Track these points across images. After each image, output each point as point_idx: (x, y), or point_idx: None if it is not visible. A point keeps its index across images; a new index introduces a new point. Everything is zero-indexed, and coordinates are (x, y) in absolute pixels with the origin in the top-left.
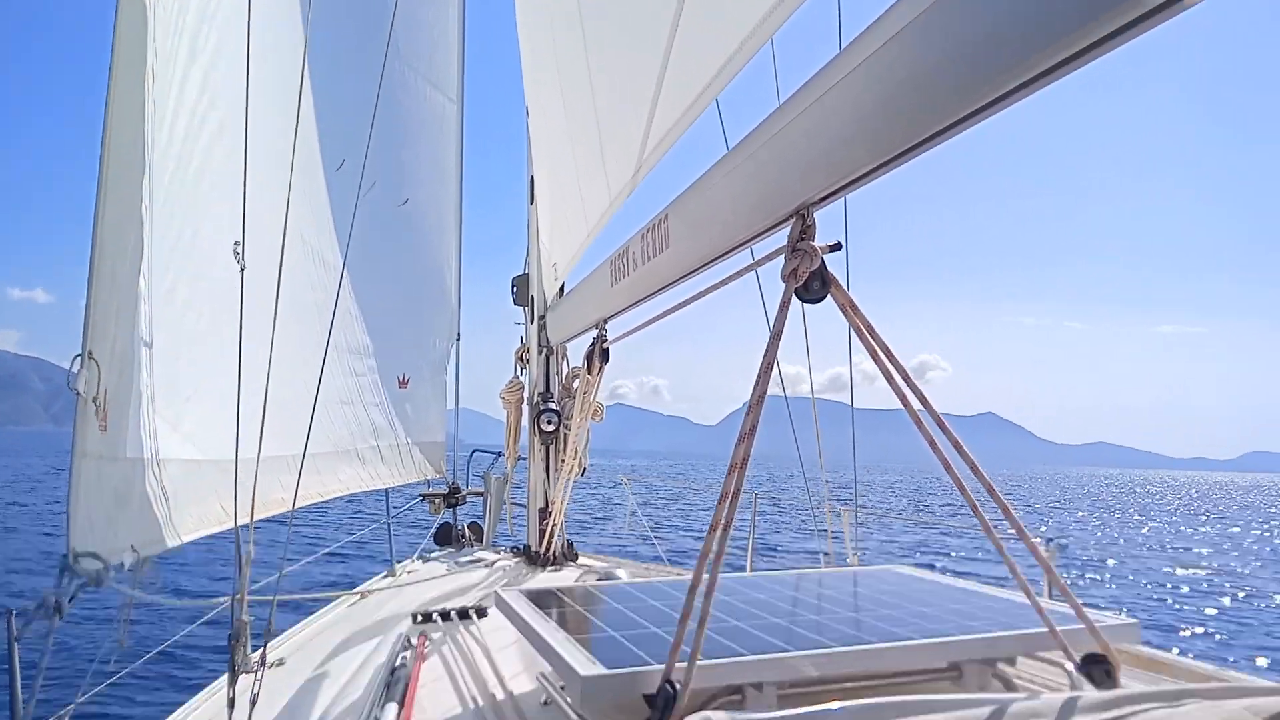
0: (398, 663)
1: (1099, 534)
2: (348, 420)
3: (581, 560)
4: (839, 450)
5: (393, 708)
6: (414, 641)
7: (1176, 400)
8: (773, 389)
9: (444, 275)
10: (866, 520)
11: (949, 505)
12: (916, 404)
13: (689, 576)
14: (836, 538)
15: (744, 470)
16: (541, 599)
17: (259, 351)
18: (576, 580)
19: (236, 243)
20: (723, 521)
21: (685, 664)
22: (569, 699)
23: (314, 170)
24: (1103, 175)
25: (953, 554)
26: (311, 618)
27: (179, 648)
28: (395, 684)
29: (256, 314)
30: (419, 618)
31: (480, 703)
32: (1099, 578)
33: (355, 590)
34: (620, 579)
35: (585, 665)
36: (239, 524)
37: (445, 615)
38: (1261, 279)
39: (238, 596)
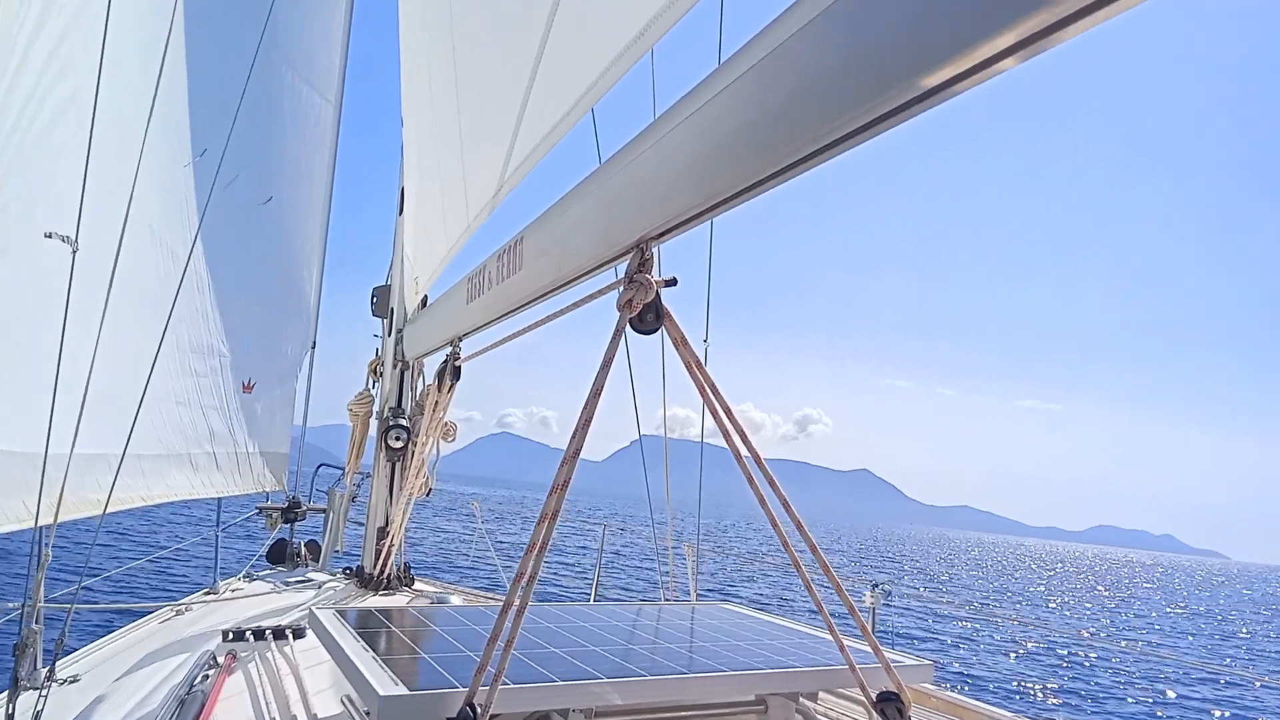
0: (197, 680)
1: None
2: (182, 423)
3: (417, 585)
4: (716, 491)
5: None
6: (220, 660)
7: (1034, 472)
8: (626, 427)
9: (303, 279)
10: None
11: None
12: (741, 446)
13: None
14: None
15: (564, 493)
16: (362, 620)
17: (87, 341)
18: (408, 605)
19: (72, 222)
20: (539, 543)
21: (488, 687)
22: None
23: (171, 156)
24: (970, 260)
25: (799, 593)
26: (117, 632)
27: None
28: (190, 704)
29: (91, 301)
30: (229, 635)
31: None
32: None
33: (170, 605)
34: (450, 604)
35: (387, 685)
36: (40, 524)
37: (259, 634)
38: (1112, 365)
39: (29, 604)
